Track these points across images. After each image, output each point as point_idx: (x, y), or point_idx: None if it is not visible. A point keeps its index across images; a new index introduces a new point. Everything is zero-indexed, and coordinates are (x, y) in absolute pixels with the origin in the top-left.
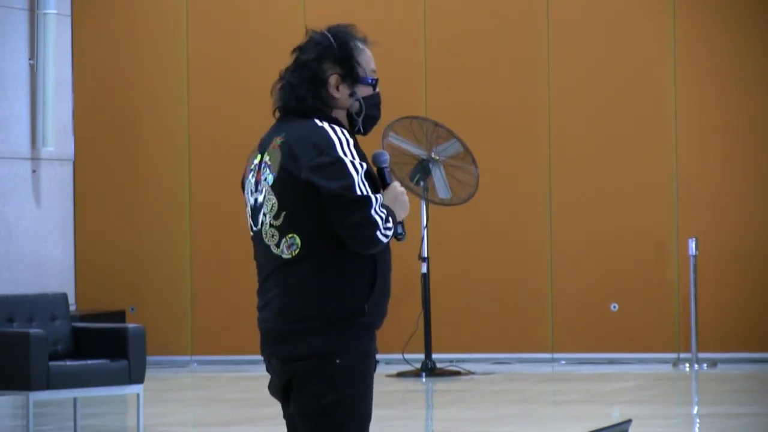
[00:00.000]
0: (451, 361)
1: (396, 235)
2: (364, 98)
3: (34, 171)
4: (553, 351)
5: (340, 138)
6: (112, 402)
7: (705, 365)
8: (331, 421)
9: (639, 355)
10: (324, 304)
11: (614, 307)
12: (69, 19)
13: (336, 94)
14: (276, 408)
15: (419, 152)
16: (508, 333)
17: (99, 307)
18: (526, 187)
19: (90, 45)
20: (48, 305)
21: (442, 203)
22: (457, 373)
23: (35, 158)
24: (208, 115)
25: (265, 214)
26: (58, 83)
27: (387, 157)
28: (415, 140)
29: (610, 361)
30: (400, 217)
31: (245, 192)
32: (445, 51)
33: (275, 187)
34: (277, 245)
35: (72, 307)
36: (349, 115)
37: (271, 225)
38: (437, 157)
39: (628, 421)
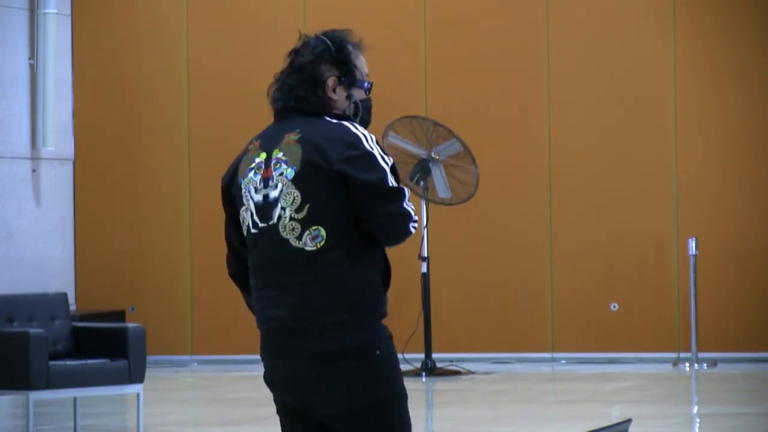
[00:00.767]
0: (451, 360)
1: None
2: (360, 101)
3: (34, 171)
4: (553, 351)
5: (363, 133)
6: (112, 402)
7: (705, 365)
8: (384, 414)
9: (639, 355)
10: (353, 295)
11: (614, 307)
12: (69, 19)
13: (333, 96)
14: (275, 408)
15: (419, 152)
16: (508, 333)
17: (99, 307)
18: (526, 187)
19: (90, 45)
20: (48, 305)
21: (442, 203)
22: (457, 373)
23: (35, 158)
24: (208, 116)
25: (284, 208)
26: (58, 83)
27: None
28: (415, 140)
29: (610, 361)
30: None
31: (242, 192)
32: (445, 51)
33: (297, 181)
34: (299, 238)
35: (72, 307)
36: (344, 118)
37: (291, 218)
38: (437, 157)
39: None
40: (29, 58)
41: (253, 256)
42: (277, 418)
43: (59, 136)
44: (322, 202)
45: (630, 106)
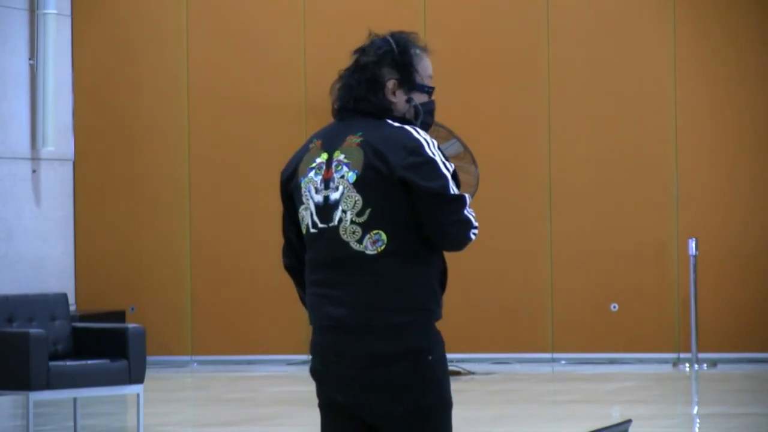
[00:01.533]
0: (451, 361)
1: None
2: (420, 104)
3: (34, 171)
4: (553, 351)
5: (425, 138)
6: (112, 402)
7: (705, 365)
8: (434, 417)
9: (639, 355)
10: (411, 298)
11: (614, 307)
12: (69, 19)
13: (393, 99)
14: (275, 408)
15: None
16: (508, 333)
17: (99, 307)
18: (526, 187)
19: (90, 45)
20: (48, 305)
21: None
22: (457, 373)
23: (35, 158)
24: (207, 116)
25: (345, 211)
26: (58, 83)
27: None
28: None
29: (610, 361)
30: None
31: (302, 191)
32: (445, 51)
33: (358, 185)
34: (359, 241)
35: (72, 307)
36: (404, 121)
37: (352, 222)
38: None
39: (628, 421)
40: (29, 58)
41: (311, 254)
42: (276, 418)
43: (59, 136)
44: (383, 206)
45: (630, 106)
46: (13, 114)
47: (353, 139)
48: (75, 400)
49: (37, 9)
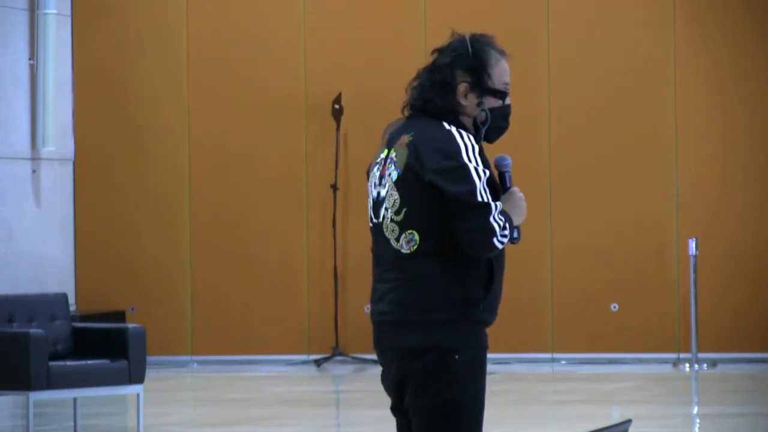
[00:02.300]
0: None
1: (511, 240)
2: (491, 109)
3: (34, 171)
4: (553, 351)
5: (466, 143)
6: (112, 402)
7: (705, 365)
8: (452, 415)
9: (639, 355)
10: (443, 298)
11: (614, 307)
12: (69, 19)
13: (463, 102)
14: (275, 408)
15: None
16: (508, 333)
17: (99, 307)
18: (527, 187)
19: (90, 45)
20: (48, 305)
21: None
22: None
23: (35, 158)
24: (208, 116)
25: (387, 209)
26: (58, 83)
27: (509, 161)
28: None
29: (610, 361)
30: (517, 221)
31: (369, 184)
32: None
33: (399, 184)
34: (397, 240)
35: (72, 307)
36: (475, 124)
37: (392, 220)
38: None
39: (628, 421)
40: (29, 58)
41: (372, 246)
42: (276, 418)
43: (59, 136)
44: (417, 207)
45: (630, 107)
46: (13, 114)
47: (405, 138)
48: (75, 400)
49: (37, 9)
